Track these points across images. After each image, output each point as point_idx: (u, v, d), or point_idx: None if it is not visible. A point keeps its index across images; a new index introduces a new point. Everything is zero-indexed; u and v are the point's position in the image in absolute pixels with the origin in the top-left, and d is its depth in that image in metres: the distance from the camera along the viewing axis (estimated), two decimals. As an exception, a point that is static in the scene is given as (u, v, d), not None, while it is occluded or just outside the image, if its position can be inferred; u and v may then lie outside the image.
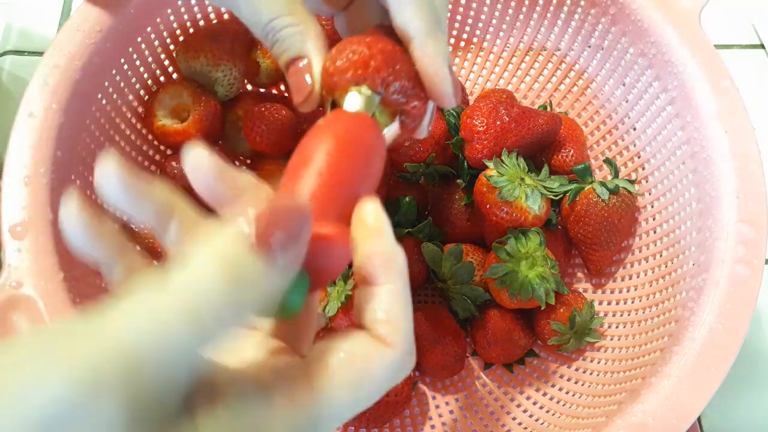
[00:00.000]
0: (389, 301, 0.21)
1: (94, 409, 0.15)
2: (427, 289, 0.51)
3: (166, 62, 0.49)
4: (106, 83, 0.43)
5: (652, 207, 0.47)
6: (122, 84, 0.45)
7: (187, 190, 0.52)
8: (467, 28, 0.56)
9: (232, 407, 0.18)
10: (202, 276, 0.17)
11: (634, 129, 0.48)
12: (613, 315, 0.46)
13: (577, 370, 0.45)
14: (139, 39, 0.45)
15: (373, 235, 0.21)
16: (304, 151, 0.22)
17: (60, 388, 0.14)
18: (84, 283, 0.39)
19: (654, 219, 0.46)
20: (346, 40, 0.27)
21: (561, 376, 0.46)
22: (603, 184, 0.46)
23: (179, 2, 0.47)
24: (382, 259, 0.21)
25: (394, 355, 0.21)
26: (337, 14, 0.33)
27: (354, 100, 0.24)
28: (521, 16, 0.53)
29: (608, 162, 0.48)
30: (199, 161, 0.22)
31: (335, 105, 0.23)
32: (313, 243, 0.19)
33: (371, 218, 0.22)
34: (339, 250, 0.21)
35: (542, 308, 0.44)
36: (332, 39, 0.28)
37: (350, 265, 0.49)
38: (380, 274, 0.21)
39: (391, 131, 0.24)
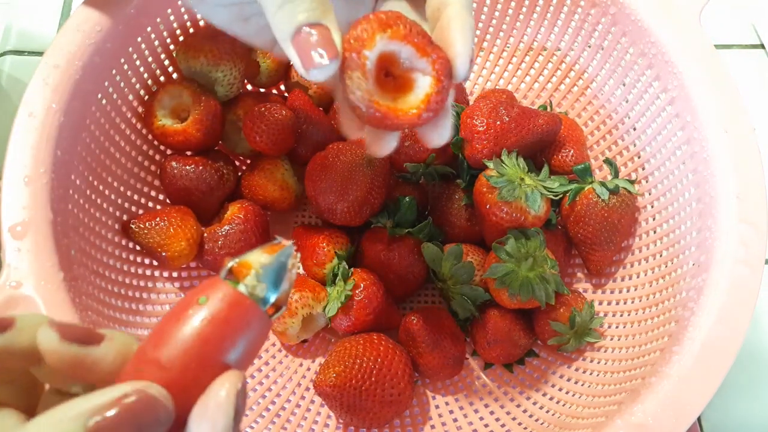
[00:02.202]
0: None
1: None
2: (427, 289, 0.51)
3: (166, 62, 0.49)
4: (106, 83, 0.43)
5: (652, 207, 0.47)
6: (122, 84, 0.45)
7: (187, 191, 0.52)
8: (467, 28, 0.56)
9: None
10: None
11: (634, 129, 0.48)
12: (613, 315, 0.46)
13: (577, 370, 0.45)
14: (139, 39, 0.45)
15: (210, 418, 0.19)
16: (173, 321, 0.20)
17: None
18: (84, 283, 0.39)
19: (654, 219, 0.46)
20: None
21: (561, 376, 0.46)
22: (603, 184, 0.46)
23: (179, 2, 0.47)
24: None
25: None
26: None
27: (244, 289, 0.21)
28: (521, 16, 0.53)
29: (608, 162, 0.48)
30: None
31: (231, 272, 0.21)
32: None
33: (215, 401, 0.19)
34: None
35: (542, 308, 0.44)
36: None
37: (351, 265, 0.49)
38: None
39: (279, 313, 0.22)
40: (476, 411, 0.46)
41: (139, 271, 0.46)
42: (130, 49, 0.45)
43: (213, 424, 0.19)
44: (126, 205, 0.46)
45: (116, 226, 0.45)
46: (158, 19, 0.46)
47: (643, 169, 0.48)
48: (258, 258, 0.21)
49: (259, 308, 0.21)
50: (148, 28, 0.46)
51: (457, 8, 0.30)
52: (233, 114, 0.50)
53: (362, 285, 0.44)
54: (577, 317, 0.44)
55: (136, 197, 0.48)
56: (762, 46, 0.66)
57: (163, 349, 0.19)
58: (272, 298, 0.21)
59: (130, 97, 0.46)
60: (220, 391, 0.19)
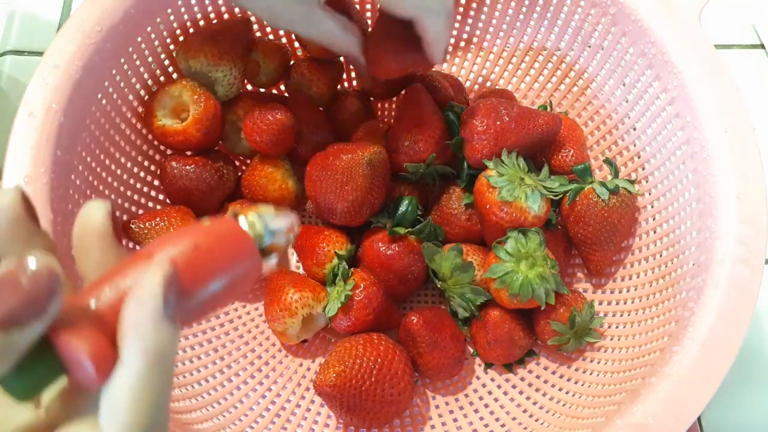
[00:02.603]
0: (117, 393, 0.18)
1: None
2: (427, 289, 0.51)
3: (166, 62, 0.49)
4: (106, 83, 0.43)
5: (652, 207, 0.47)
6: (122, 84, 0.45)
7: (187, 191, 0.52)
8: (467, 28, 0.56)
9: None
10: None
11: (634, 129, 0.48)
12: (613, 315, 0.46)
13: (577, 370, 0.45)
14: (139, 39, 0.45)
15: (136, 297, 0.18)
16: (180, 230, 0.22)
17: None
18: (84, 283, 0.39)
19: (654, 219, 0.46)
20: None
21: (561, 376, 0.46)
22: (603, 184, 0.46)
23: (179, 2, 0.47)
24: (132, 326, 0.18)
25: None
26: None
27: (244, 222, 0.23)
28: (521, 16, 0.53)
29: (608, 162, 0.48)
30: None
31: (236, 215, 0.23)
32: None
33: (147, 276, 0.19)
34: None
35: (542, 308, 0.44)
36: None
37: (351, 265, 0.49)
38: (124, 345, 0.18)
39: (270, 262, 0.24)
40: (476, 411, 0.46)
41: (139, 271, 0.46)
42: (130, 49, 0.45)
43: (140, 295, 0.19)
44: (126, 205, 0.46)
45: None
46: (158, 19, 0.46)
47: (643, 169, 0.48)
48: (264, 208, 0.23)
49: (252, 241, 0.22)
50: (148, 28, 0.46)
51: (425, 24, 0.41)
52: (233, 114, 0.50)
53: (362, 285, 0.44)
54: (577, 317, 0.44)
55: (136, 197, 0.48)
56: (762, 46, 0.66)
57: (160, 246, 0.21)
58: (267, 238, 0.23)
59: (130, 97, 0.46)
60: (159, 264, 0.19)
